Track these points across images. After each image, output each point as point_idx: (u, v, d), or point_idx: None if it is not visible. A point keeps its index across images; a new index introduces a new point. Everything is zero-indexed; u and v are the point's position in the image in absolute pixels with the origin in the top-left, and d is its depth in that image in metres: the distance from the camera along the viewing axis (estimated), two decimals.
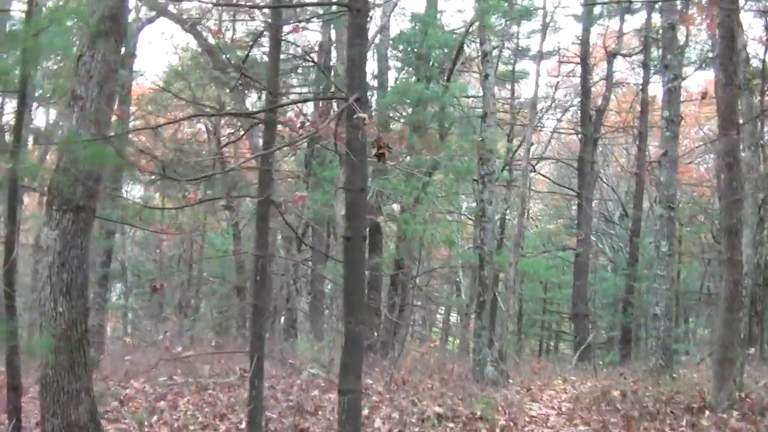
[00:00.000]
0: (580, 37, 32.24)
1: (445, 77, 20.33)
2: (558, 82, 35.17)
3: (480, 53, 16.19)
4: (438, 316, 39.73)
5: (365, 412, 11.27)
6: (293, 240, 18.35)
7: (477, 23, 17.24)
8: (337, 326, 15.37)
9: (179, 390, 13.01)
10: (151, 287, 30.46)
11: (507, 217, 29.49)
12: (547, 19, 23.70)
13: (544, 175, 36.87)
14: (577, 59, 32.80)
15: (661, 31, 18.22)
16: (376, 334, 19.72)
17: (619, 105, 38.01)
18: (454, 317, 40.07)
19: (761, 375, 14.07)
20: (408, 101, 20.03)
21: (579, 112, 32.84)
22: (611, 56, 32.18)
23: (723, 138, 10.49)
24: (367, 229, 23.34)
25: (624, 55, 33.31)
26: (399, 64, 22.95)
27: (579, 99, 32.59)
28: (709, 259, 31.61)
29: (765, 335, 25.89)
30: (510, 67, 34.38)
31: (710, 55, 28.84)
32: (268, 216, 7.43)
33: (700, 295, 35.31)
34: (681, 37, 17.63)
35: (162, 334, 22.16)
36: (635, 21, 40.67)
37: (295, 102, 14.25)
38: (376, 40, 20.92)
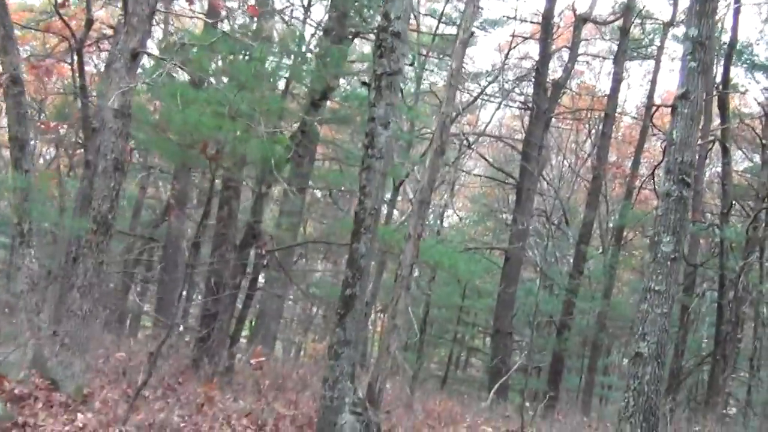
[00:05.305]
0: None
1: None
2: (509, 51, 28.74)
3: None
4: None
5: None
6: None
7: None
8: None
9: None
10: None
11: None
12: None
13: (480, 155, 30.32)
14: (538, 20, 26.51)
15: None
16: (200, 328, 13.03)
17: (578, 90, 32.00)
18: None
19: None
20: None
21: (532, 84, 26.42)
22: (580, 21, 25.96)
23: None
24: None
25: (596, 22, 27.14)
26: None
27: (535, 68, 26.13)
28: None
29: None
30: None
31: None
32: None
33: (633, 324, 29.41)
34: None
35: None
36: None
37: None
38: None
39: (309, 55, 14.26)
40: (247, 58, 10.21)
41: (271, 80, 10.81)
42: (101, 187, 8.48)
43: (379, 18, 9.71)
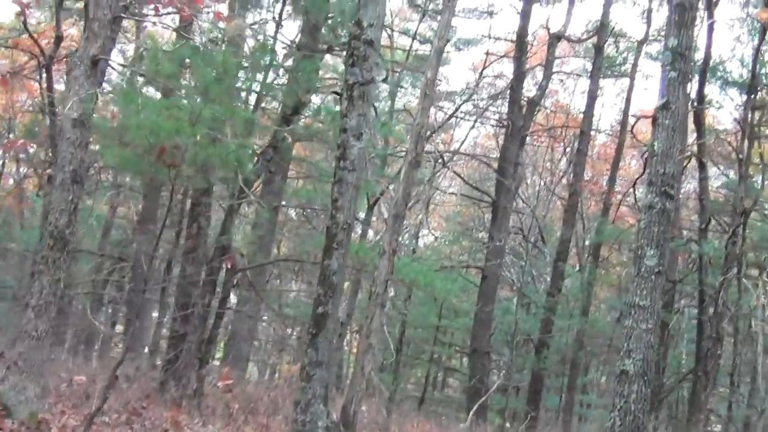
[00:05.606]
0: (519, 11, 25.71)
1: None
2: (483, 70, 28.53)
3: None
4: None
5: None
6: None
7: None
8: None
9: None
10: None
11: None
12: None
13: (456, 173, 30.02)
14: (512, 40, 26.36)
15: None
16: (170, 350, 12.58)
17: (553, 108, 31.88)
18: None
19: None
20: None
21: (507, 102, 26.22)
22: (554, 39, 25.84)
23: None
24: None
25: (570, 40, 27.06)
26: None
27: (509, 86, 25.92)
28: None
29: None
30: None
31: None
32: None
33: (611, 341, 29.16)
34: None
35: None
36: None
37: None
38: None
39: (281, 69, 13.92)
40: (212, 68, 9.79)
41: (239, 88, 10.38)
42: (58, 200, 8.01)
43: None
